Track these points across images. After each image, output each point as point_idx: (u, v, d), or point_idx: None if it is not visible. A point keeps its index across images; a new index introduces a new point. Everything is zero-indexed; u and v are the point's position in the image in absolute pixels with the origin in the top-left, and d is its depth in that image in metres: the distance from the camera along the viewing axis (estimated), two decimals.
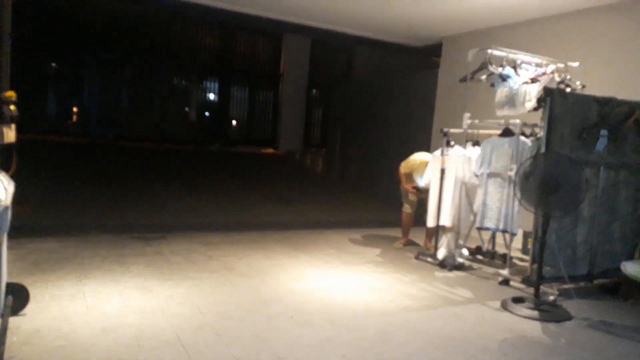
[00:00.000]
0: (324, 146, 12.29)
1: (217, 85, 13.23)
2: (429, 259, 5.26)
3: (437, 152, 5.40)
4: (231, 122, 13.47)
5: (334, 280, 4.42)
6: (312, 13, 7.37)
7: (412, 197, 5.82)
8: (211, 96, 13.28)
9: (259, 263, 4.78)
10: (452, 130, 5.29)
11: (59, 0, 10.48)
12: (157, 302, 3.51)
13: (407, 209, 5.86)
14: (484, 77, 5.03)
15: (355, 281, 4.44)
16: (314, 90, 13.36)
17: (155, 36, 11.67)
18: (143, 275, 4.11)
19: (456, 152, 5.23)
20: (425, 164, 5.61)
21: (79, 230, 5.38)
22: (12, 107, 2.93)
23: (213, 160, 11.61)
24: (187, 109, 13.12)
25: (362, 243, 6.00)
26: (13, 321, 2.93)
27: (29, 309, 3.15)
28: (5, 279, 2.75)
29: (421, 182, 5.65)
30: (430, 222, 5.42)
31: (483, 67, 4.93)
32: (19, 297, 3.08)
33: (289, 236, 6.04)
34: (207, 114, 13.40)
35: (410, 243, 6.00)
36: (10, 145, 2.92)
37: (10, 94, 2.98)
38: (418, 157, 5.77)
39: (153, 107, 12.31)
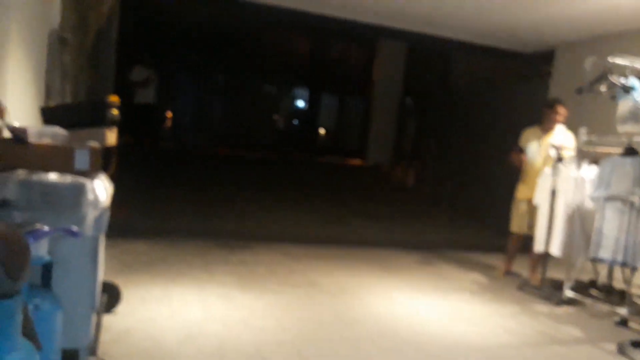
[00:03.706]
0: (416, 159, 12.10)
1: (306, 93, 13.57)
2: (535, 291, 4.98)
3: (548, 170, 5.14)
4: (319, 131, 13.72)
5: (424, 307, 4.33)
6: (409, 16, 7.32)
7: (520, 208, 5.52)
8: (300, 104, 13.64)
9: (343, 281, 4.81)
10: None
11: (156, 10, 11.40)
12: (239, 313, 3.66)
13: (514, 225, 5.54)
14: (603, 88, 4.73)
15: (448, 310, 4.33)
16: (408, 99, 13.22)
17: (247, 44, 12.27)
18: (227, 284, 4.31)
19: (570, 172, 4.95)
20: (534, 132, 5.47)
21: (167, 234, 5.76)
22: (114, 110, 3.23)
23: (299, 170, 11.91)
24: (276, 116, 13.59)
25: (457, 268, 5.82)
26: (106, 319, 3.20)
27: (120, 308, 3.43)
28: (101, 278, 3.02)
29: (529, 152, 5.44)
30: (537, 247, 5.15)
31: (603, 77, 4.63)
32: (112, 296, 3.37)
33: (376, 255, 6.02)
34: (295, 122, 13.78)
35: (511, 272, 5.70)
36: (110, 147, 3.21)
37: (114, 98, 3.29)
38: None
39: (243, 115, 12.89)
